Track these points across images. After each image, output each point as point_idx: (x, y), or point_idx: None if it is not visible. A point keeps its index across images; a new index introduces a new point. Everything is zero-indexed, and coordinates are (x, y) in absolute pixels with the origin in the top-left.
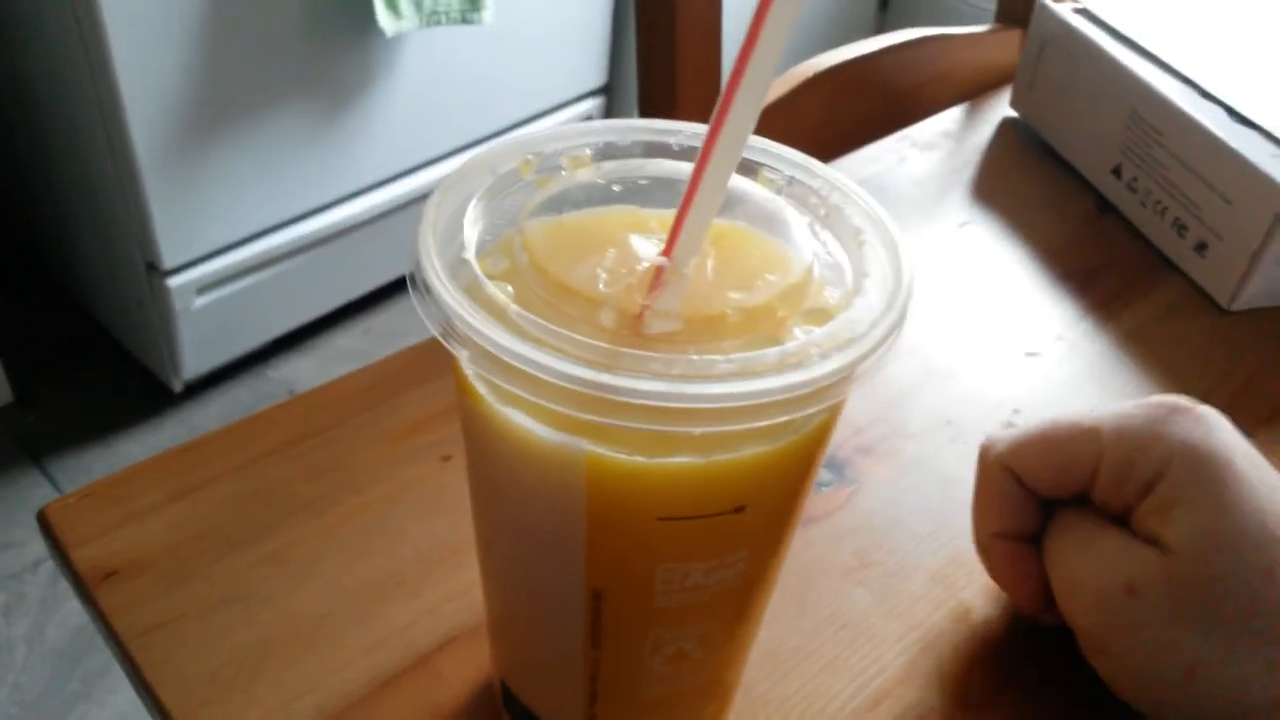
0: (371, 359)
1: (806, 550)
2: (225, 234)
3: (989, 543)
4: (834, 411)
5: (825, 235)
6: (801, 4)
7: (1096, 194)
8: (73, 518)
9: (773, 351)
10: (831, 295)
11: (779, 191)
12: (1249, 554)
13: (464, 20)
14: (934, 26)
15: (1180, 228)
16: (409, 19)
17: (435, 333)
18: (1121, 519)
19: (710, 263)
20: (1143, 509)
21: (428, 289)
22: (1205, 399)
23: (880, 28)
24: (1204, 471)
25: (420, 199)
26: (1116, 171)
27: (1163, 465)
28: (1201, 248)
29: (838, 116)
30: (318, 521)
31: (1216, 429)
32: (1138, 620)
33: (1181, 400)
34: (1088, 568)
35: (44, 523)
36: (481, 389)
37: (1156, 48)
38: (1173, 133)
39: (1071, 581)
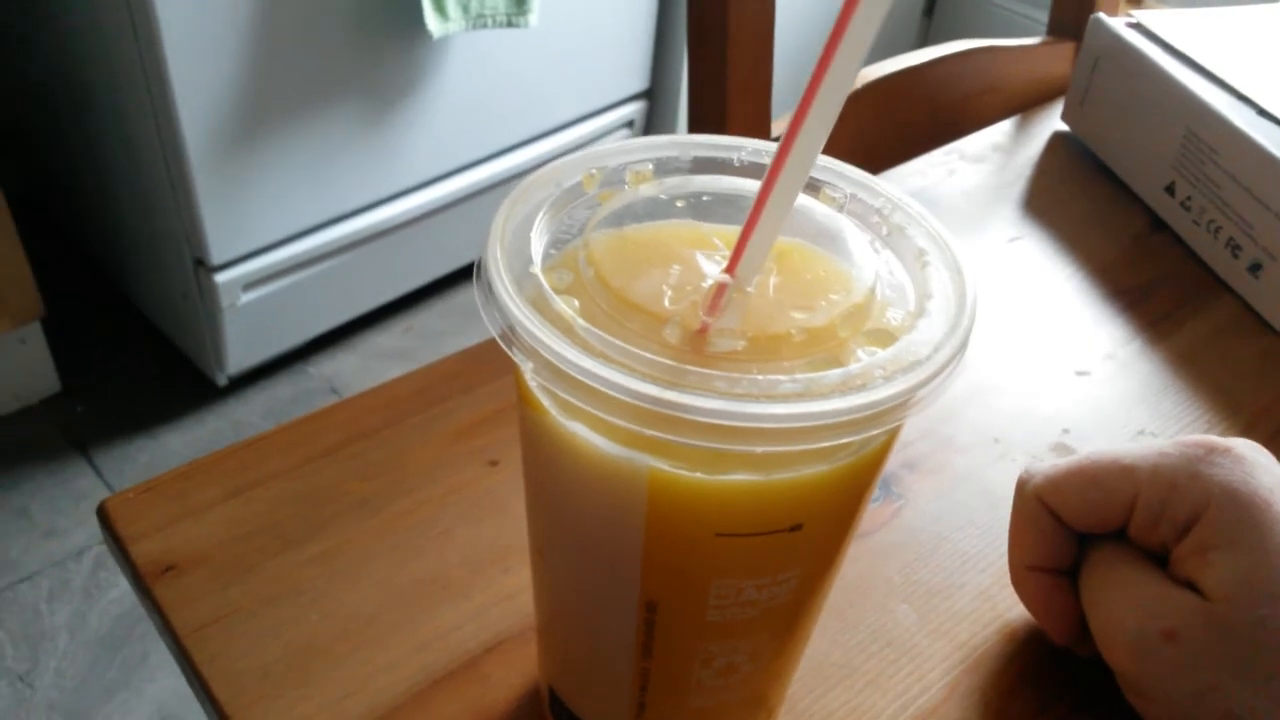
0: (412, 357)
1: (852, 566)
2: (272, 231)
3: (1023, 575)
4: (893, 434)
5: (886, 254)
6: (877, 28)
7: (1149, 211)
8: (132, 512)
9: (835, 373)
10: (894, 316)
11: (841, 209)
12: None
13: (509, 23)
14: (978, 34)
15: (1234, 248)
16: (456, 21)
17: (501, 344)
18: (1158, 556)
19: (773, 280)
20: (1180, 550)
21: (495, 300)
22: (1257, 422)
23: (925, 36)
24: (1244, 515)
25: (463, 200)
26: (1170, 189)
27: (1200, 507)
28: (1255, 268)
29: (885, 128)
30: (368, 522)
31: (1256, 470)
32: (1177, 666)
33: (1220, 440)
34: (1126, 611)
35: (104, 516)
36: (545, 401)
37: (1212, 64)
38: (1228, 151)
39: (1110, 624)
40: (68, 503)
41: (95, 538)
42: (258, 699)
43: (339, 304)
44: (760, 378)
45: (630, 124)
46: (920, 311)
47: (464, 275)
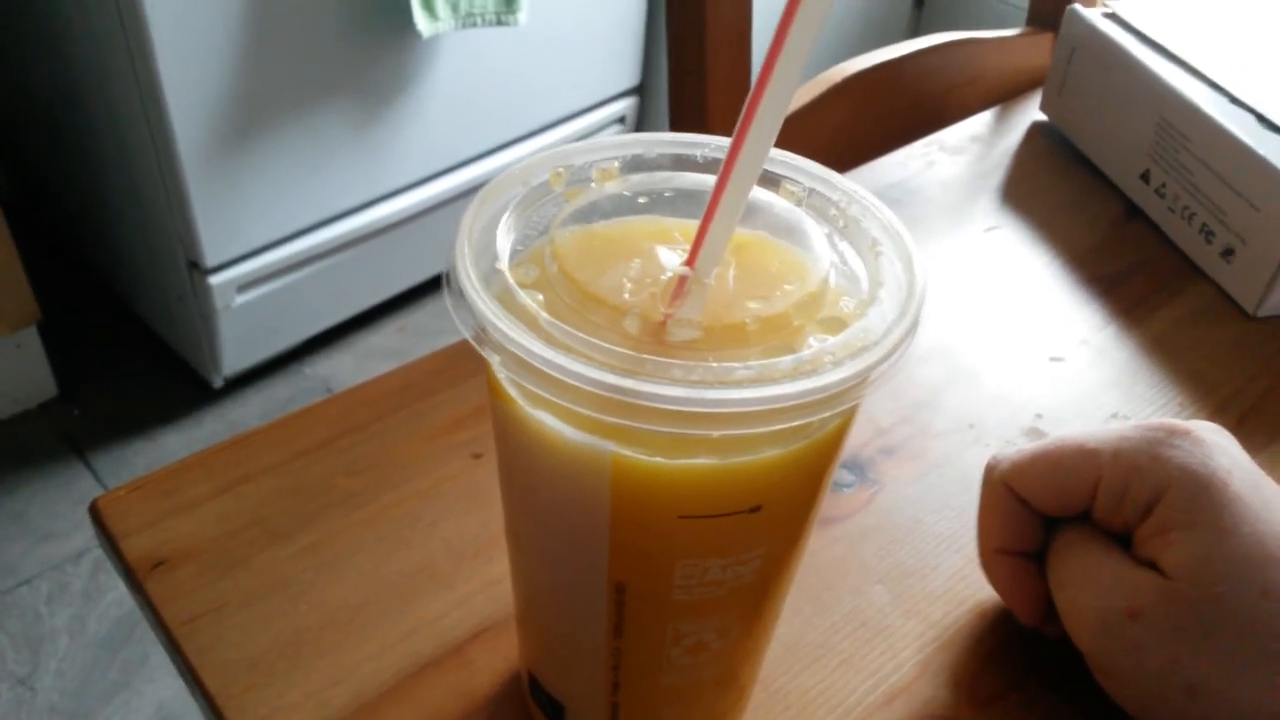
0: (406, 356)
1: (828, 549)
2: (265, 233)
3: (992, 558)
4: (848, 417)
5: (844, 246)
6: (819, 29)
7: (1124, 199)
8: (123, 509)
9: (788, 359)
10: (847, 304)
11: (799, 203)
12: (1246, 576)
13: (499, 21)
14: (970, 25)
15: (1207, 234)
16: (445, 21)
17: (469, 339)
18: (1122, 538)
19: (731, 272)
20: (1142, 532)
21: (463, 297)
22: (1229, 404)
23: (916, 27)
24: (1201, 495)
25: (455, 199)
26: (1145, 177)
27: (1160, 488)
28: (1228, 254)
29: (866, 120)
30: (355, 515)
31: (1215, 451)
32: (1139, 643)
33: (1180, 423)
34: (1090, 592)
35: (95, 514)
36: (513, 392)
37: (1186, 53)
38: (1201, 139)
39: (1075, 604)
40: (66, 506)
41: (94, 541)
42: (247, 688)
43: (333, 304)
44: (716, 365)
45: (622, 120)
46: (872, 299)
47: None
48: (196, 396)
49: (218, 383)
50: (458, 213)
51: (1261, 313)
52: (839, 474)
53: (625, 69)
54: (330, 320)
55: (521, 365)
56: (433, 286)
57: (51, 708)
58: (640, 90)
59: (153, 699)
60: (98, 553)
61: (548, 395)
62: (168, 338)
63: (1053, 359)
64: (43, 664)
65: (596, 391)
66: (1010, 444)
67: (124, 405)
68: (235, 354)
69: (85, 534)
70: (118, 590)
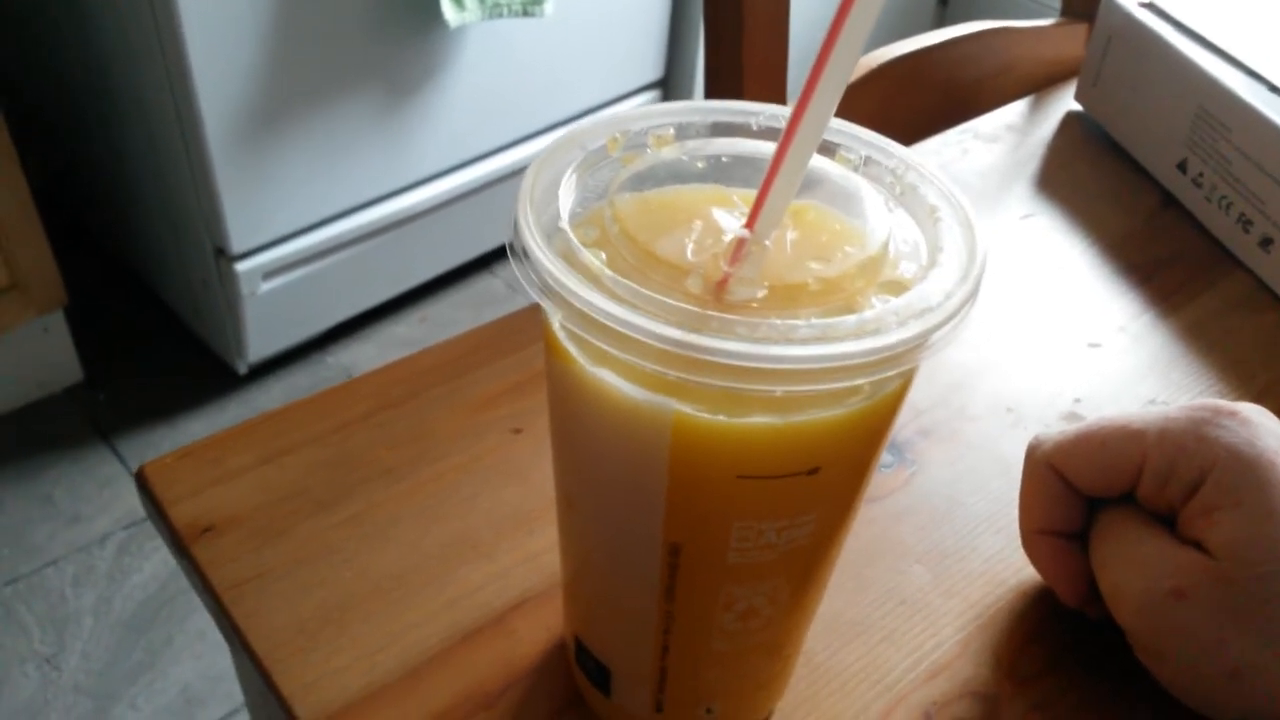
0: (427, 347)
1: (867, 529)
2: (291, 221)
3: (1034, 539)
4: (906, 380)
5: (900, 213)
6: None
7: (1161, 188)
8: (170, 477)
9: (851, 319)
10: (907, 269)
11: (855, 170)
12: None
13: (525, 12)
14: (994, 18)
15: (1245, 223)
16: (472, 11)
17: (534, 294)
18: (1166, 518)
19: (790, 236)
20: (1187, 512)
21: (526, 255)
22: (1267, 392)
23: (940, 21)
24: (1248, 475)
25: (479, 190)
26: (1182, 166)
27: (1206, 468)
28: (1266, 243)
29: (899, 109)
30: (396, 487)
31: (1261, 432)
32: (1184, 624)
33: (1226, 403)
34: (1134, 572)
35: (142, 481)
36: (573, 350)
37: (1223, 42)
38: (1239, 128)
39: (1119, 585)
40: (91, 489)
41: (119, 523)
42: (294, 652)
43: (357, 293)
44: (779, 322)
45: None
46: (932, 264)
47: (479, 265)
48: (220, 383)
49: (242, 369)
50: (482, 204)
51: None
52: None
53: (649, 62)
54: (353, 309)
55: (586, 320)
56: (454, 278)
57: (77, 687)
58: (664, 84)
59: (177, 679)
60: (123, 535)
61: (612, 350)
62: (193, 324)
63: (1090, 345)
64: (69, 644)
65: (661, 346)
66: (1049, 427)
67: (149, 390)
68: (260, 341)
69: (110, 517)
70: (143, 572)
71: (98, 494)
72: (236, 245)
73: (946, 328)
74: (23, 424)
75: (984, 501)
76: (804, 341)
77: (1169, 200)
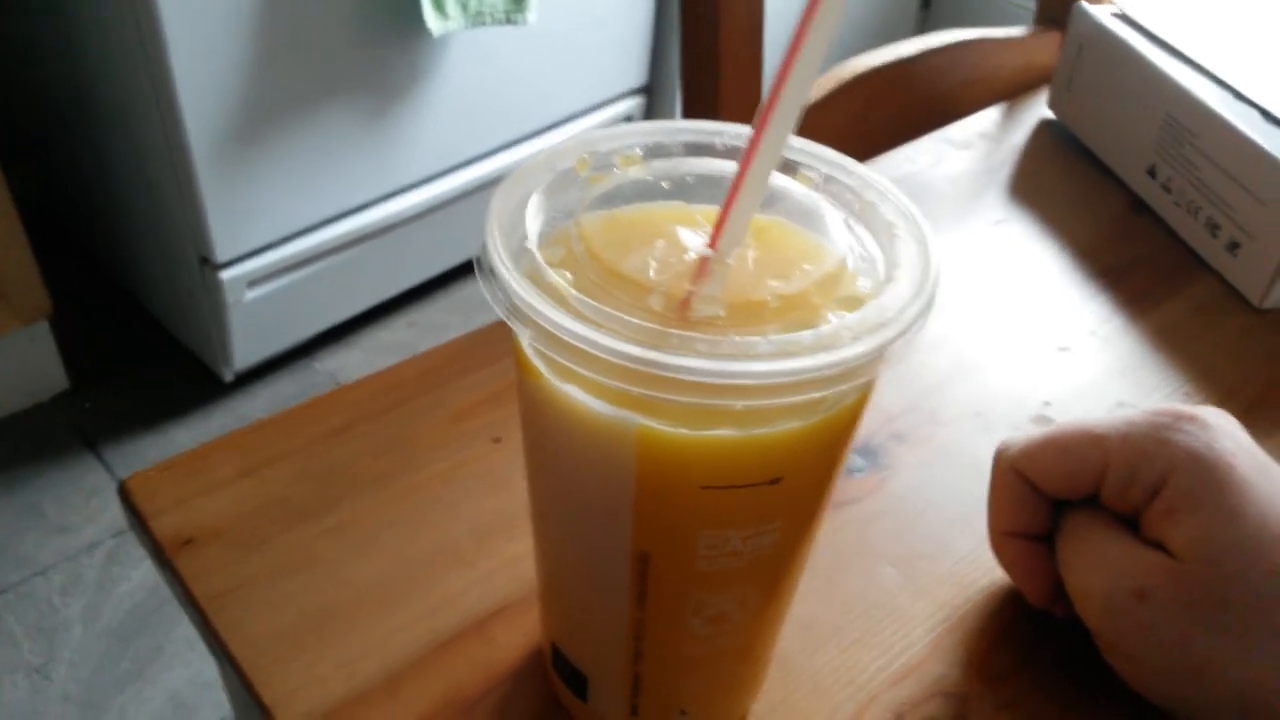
0: (415, 352)
1: (840, 532)
2: (276, 229)
3: (1002, 541)
4: (864, 392)
5: (860, 230)
6: (842, 16)
7: (1131, 194)
8: (152, 489)
9: (808, 334)
10: (864, 285)
11: (816, 189)
12: (1252, 555)
13: (508, 20)
14: (977, 24)
15: (1213, 227)
16: (455, 19)
17: (500, 314)
18: (1130, 520)
19: (751, 254)
20: (1149, 514)
21: (494, 274)
22: (1235, 394)
23: (923, 27)
24: (1207, 477)
25: (464, 196)
26: (1151, 171)
27: (1166, 472)
28: (1233, 247)
29: (875, 118)
30: (377, 497)
31: (1220, 435)
32: (1147, 623)
33: (1185, 408)
34: (1099, 573)
35: (124, 493)
36: (541, 367)
37: (1192, 50)
38: (1206, 134)
39: (1084, 586)
40: (79, 498)
41: (107, 532)
42: (276, 660)
43: (343, 300)
44: (739, 339)
45: (629, 119)
46: (889, 279)
47: (466, 270)
48: (207, 391)
49: (228, 377)
50: (467, 210)
51: (1267, 305)
52: (850, 459)
53: (633, 68)
54: (339, 316)
55: (551, 339)
56: (441, 282)
57: (66, 696)
58: (648, 90)
59: (166, 688)
60: (111, 544)
61: (576, 368)
62: (178, 332)
63: (1060, 349)
64: (57, 653)
65: (623, 364)
66: (1018, 431)
67: (135, 399)
68: (245, 349)
69: (98, 526)
70: (131, 581)
71: (85, 503)
72: (221, 254)
73: (900, 341)
74: (9, 434)
75: (955, 504)
76: (763, 357)
77: (1139, 205)
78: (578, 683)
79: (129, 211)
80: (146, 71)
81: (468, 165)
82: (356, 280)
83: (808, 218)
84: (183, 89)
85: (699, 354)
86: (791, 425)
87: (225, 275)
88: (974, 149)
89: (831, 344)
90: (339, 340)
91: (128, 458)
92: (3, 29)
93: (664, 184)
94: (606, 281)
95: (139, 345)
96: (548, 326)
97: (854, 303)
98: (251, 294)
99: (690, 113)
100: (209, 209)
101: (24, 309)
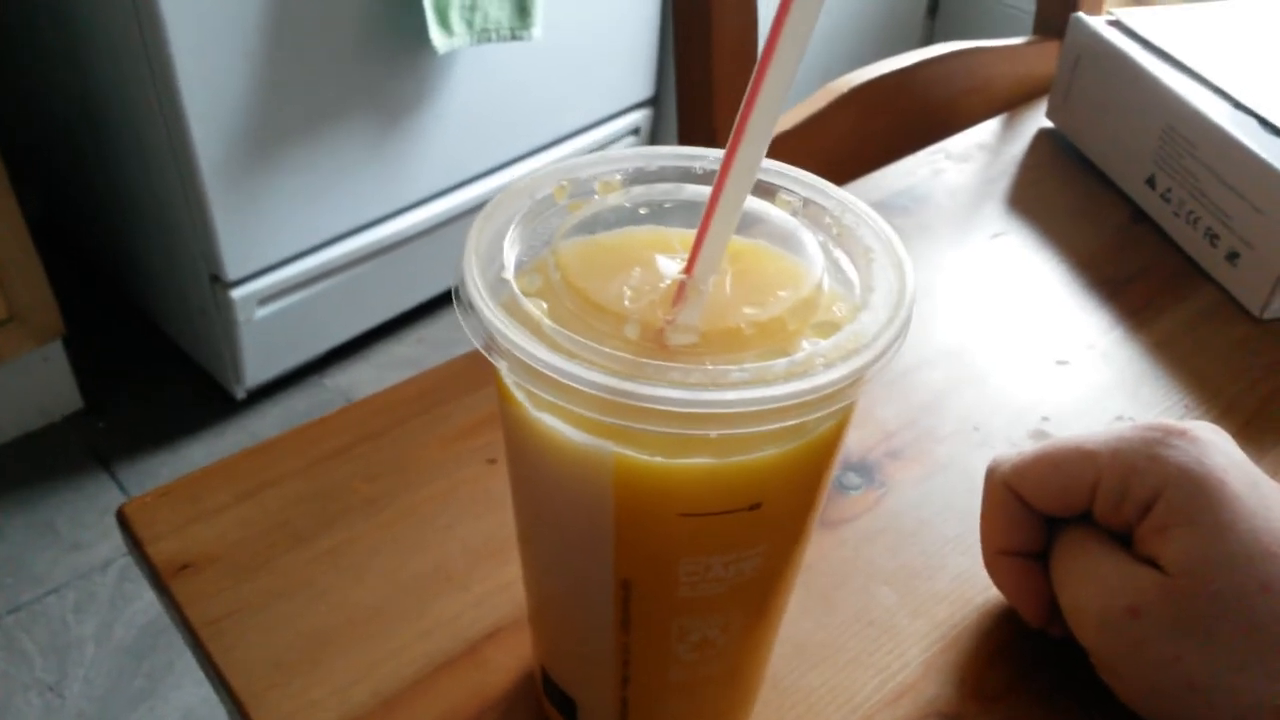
0: (424, 367)
1: (836, 551)
2: (286, 247)
3: (996, 560)
4: (844, 417)
5: (838, 253)
6: (807, 38)
7: (1130, 204)
8: (149, 515)
9: (782, 362)
10: (840, 309)
11: (795, 213)
12: (1244, 571)
13: (513, 35)
14: (984, 33)
15: (1212, 237)
16: (460, 36)
17: (478, 346)
18: (1123, 536)
19: (728, 279)
20: (1142, 530)
21: (471, 306)
22: (1235, 407)
23: (930, 35)
24: (1198, 494)
25: (472, 212)
26: (1150, 182)
27: (1158, 488)
28: (1233, 257)
29: (874, 130)
30: (373, 519)
31: (1211, 450)
32: (1140, 640)
33: (1176, 423)
34: (1092, 590)
35: (122, 519)
36: (520, 396)
37: (1190, 60)
38: (1205, 144)
39: (1078, 604)
40: (92, 516)
41: (120, 550)
42: (271, 686)
43: (352, 316)
44: (712, 368)
45: (636, 131)
46: (864, 304)
47: None
48: (219, 409)
49: (240, 394)
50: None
51: (1268, 315)
52: (846, 476)
53: (639, 81)
54: (349, 332)
55: (526, 370)
56: (450, 298)
57: (79, 714)
58: (655, 101)
59: (178, 705)
60: (124, 562)
61: (552, 398)
62: (190, 351)
63: (1059, 362)
64: (70, 671)
65: (597, 394)
66: (1016, 446)
67: (148, 417)
68: (257, 366)
69: (111, 544)
70: (143, 599)
71: (98, 521)
72: (232, 272)
73: (875, 366)
74: (23, 453)
75: (952, 521)
76: (736, 386)
77: (1138, 216)
78: (567, 707)
79: (140, 231)
80: (155, 92)
81: (476, 180)
82: (367, 297)
83: (785, 241)
84: (191, 110)
85: (672, 383)
86: (769, 452)
87: (236, 293)
88: (973, 161)
89: (805, 371)
90: (350, 357)
91: (141, 476)
92: (14, 52)
93: (642, 210)
94: (582, 310)
95: (151, 364)
96: (523, 357)
97: (829, 328)
98: (262, 311)
99: (686, 138)
100: (219, 227)
101: (37, 329)
